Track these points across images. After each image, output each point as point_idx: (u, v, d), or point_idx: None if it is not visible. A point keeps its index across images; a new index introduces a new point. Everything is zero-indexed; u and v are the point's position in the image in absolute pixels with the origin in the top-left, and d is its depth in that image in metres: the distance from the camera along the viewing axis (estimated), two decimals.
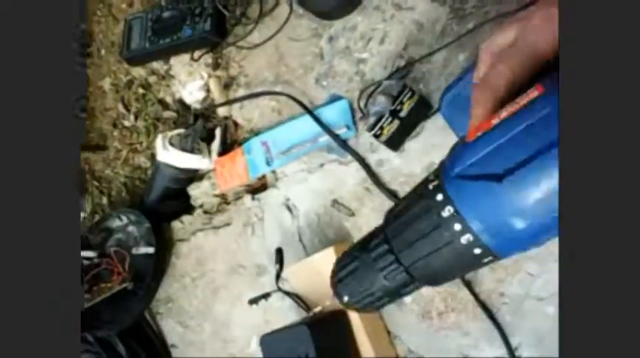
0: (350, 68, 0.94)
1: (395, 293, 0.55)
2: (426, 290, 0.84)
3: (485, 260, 0.47)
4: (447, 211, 0.45)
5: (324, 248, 0.88)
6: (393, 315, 0.87)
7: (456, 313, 0.83)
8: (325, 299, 0.86)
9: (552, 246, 0.44)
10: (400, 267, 0.51)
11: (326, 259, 0.85)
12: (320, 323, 0.83)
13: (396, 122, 0.81)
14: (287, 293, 0.90)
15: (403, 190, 0.87)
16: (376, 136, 0.83)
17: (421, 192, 0.49)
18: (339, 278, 0.58)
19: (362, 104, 0.89)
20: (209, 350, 1.07)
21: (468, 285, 0.81)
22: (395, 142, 0.85)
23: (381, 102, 0.83)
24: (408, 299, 0.86)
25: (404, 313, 0.86)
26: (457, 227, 0.45)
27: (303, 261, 0.92)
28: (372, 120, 0.83)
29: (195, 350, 1.09)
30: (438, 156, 0.82)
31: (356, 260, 0.56)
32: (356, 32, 0.95)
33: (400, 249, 0.50)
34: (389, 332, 0.87)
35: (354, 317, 0.84)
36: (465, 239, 0.45)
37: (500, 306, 0.79)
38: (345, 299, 0.58)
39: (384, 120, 0.81)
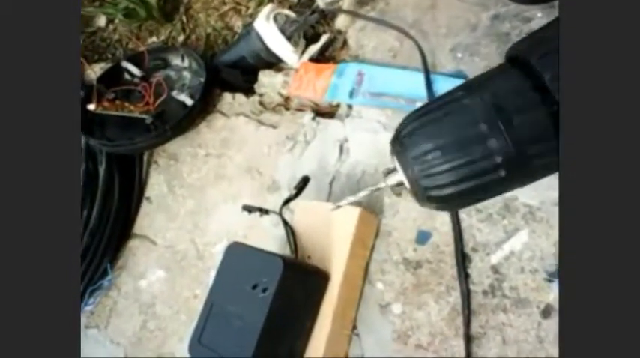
0: (495, 55, 0.81)
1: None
2: (422, 315, 0.73)
3: None
4: None
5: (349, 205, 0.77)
6: (368, 314, 0.76)
7: (434, 356, 0.71)
8: (318, 255, 0.76)
9: None
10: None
11: (347, 216, 0.74)
12: (298, 271, 0.72)
13: None
14: (285, 223, 0.80)
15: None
16: None
17: None
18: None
19: None
20: (177, 223, 0.98)
21: (468, 341, 0.69)
22: None
23: None
24: (397, 308, 0.74)
25: (381, 318, 0.75)
26: None
27: (321, 203, 0.81)
28: None
29: (165, 215, 1.01)
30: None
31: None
32: (527, 25, 0.81)
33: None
34: (354, 327, 0.76)
35: (332, 288, 0.73)
36: None
37: None
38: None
39: None
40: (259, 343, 0.66)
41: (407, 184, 0.55)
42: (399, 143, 0.54)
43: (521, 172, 0.51)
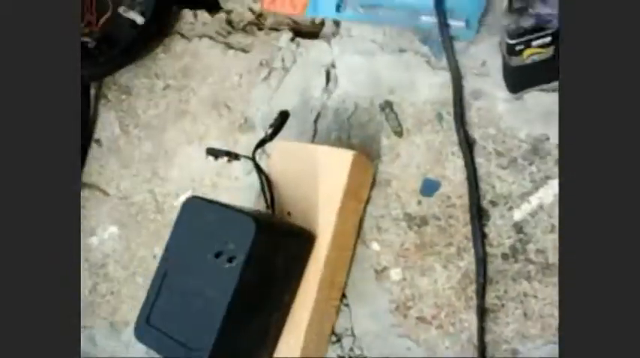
0: None
1: None
2: (426, 282, 0.60)
3: None
4: None
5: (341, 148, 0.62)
6: (361, 281, 0.63)
7: (439, 331, 0.59)
8: (301, 209, 0.61)
9: None
10: None
11: (337, 161, 0.59)
12: (275, 233, 0.57)
13: (552, 50, 0.52)
14: (259, 170, 0.64)
15: (484, 148, 0.60)
16: (511, 52, 0.54)
17: None
18: None
19: (516, 3, 0.59)
20: (132, 170, 0.82)
21: (482, 314, 0.57)
22: (522, 79, 0.57)
23: (543, 13, 0.53)
24: (395, 274, 0.61)
25: (376, 286, 0.62)
26: None
27: (305, 144, 0.66)
28: (516, 27, 0.54)
29: (118, 161, 0.84)
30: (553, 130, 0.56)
31: None
32: None
33: None
34: (344, 296, 0.63)
35: (318, 251, 0.59)
36: None
37: None
38: None
39: (537, 36, 0.52)
40: (223, 327, 0.52)
41: None
42: None
43: None
